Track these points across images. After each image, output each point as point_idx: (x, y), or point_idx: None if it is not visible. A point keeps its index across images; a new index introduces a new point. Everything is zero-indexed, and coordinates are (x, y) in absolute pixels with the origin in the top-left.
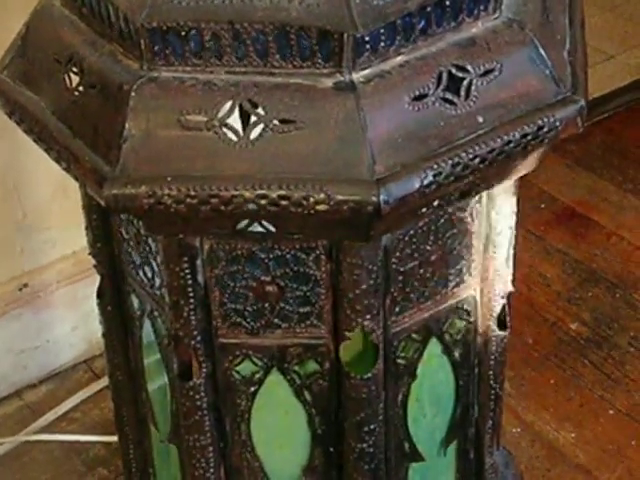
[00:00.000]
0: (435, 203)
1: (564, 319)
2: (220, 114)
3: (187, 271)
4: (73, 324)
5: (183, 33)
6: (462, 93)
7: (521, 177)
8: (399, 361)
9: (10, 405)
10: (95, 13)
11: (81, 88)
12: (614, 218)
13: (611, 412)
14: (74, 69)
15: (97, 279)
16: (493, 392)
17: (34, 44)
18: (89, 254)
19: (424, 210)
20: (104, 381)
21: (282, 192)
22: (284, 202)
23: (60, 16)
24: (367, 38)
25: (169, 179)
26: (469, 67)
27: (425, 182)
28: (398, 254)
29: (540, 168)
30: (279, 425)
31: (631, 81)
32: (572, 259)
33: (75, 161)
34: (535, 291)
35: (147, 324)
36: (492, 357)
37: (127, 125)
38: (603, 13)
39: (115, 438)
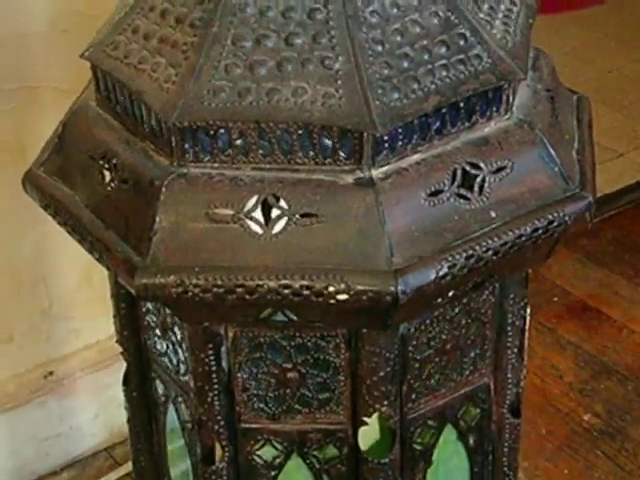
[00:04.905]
0: (450, 293)
1: (577, 410)
2: (246, 208)
3: (212, 358)
4: (95, 412)
5: (212, 132)
6: (476, 189)
7: (534, 271)
8: (415, 446)
9: None
10: (128, 112)
11: (114, 183)
12: (625, 312)
13: None
14: (107, 165)
15: (120, 367)
16: (507, 479)
17: (70, 141)
18: (116, 342)
19: (439, 300)
20: (124, 468)
21: (304, 282)
22: (306, 292)
23: (95, 115)
24: (386, 137)
25: (197, 269)
26: (482, 165)
27: (440, 273)
28: (414, 342)
29: (553, 262)
30: None
31: None
32: (584, 352)
33: (107, 252)
34: (548, 383)
35: (171, 409)
36: (506, 444)
37: (157, 218)
38: (613, 113)
39: None
